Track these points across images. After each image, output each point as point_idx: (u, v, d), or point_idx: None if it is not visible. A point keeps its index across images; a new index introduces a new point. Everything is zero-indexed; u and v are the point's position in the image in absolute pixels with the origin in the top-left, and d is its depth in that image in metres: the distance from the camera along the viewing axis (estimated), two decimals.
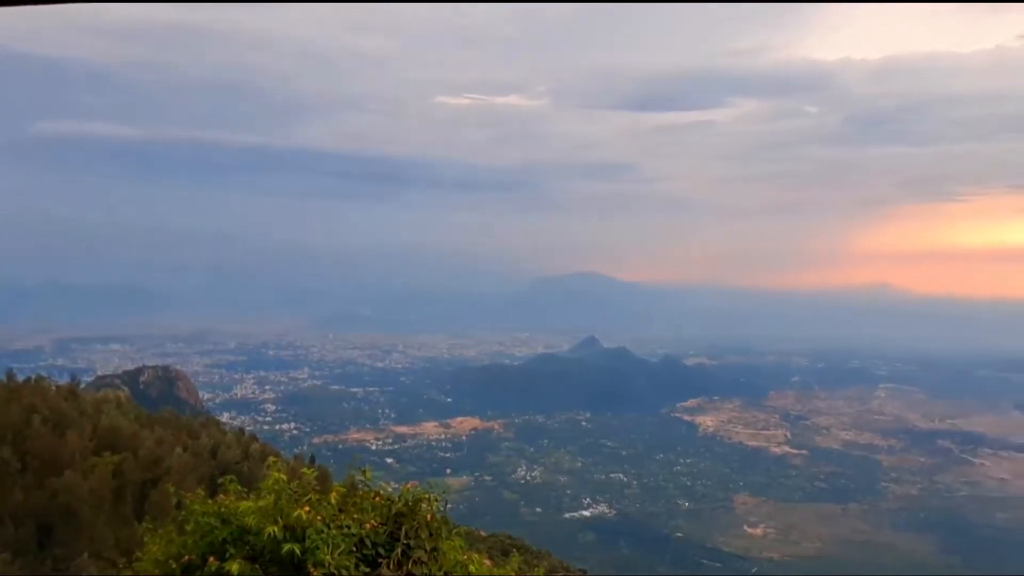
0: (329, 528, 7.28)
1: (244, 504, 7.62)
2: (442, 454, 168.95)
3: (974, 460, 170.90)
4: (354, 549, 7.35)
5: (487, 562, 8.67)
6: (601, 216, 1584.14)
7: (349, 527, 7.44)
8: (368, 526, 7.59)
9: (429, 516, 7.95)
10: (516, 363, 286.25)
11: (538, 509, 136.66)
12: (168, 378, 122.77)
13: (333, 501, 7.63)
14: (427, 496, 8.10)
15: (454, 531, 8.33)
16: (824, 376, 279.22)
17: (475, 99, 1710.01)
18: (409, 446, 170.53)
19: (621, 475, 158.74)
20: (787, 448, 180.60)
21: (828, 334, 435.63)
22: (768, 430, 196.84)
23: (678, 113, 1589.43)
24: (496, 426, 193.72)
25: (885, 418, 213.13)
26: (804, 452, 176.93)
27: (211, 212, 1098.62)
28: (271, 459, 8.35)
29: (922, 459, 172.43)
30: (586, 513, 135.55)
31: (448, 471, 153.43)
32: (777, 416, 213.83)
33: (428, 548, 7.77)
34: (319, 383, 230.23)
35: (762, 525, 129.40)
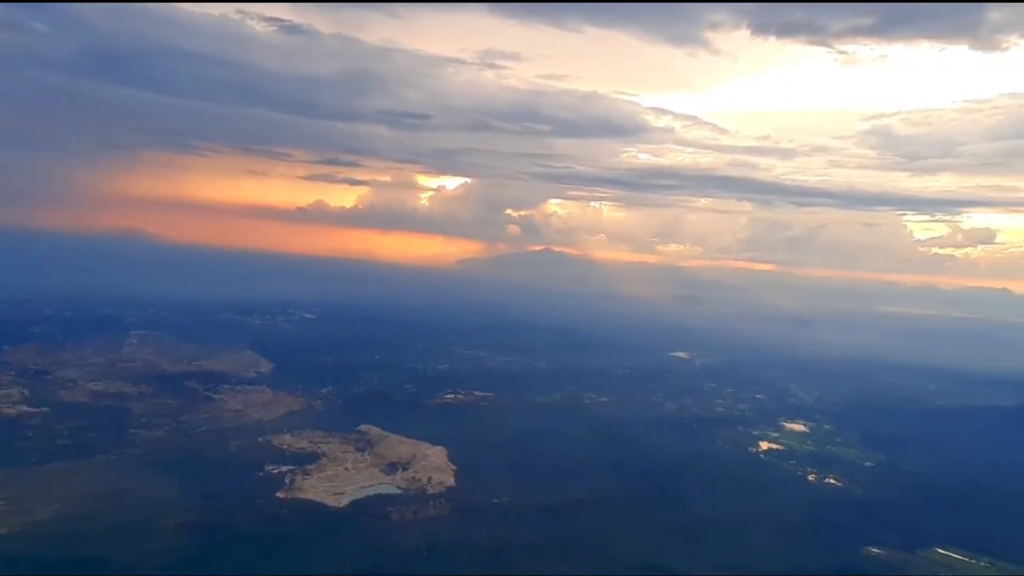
0: None
1: None
2: None
3: (215, 397, 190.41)
4: None
5: None
6: None
7: None
8: None
9: None
10: None
11: None
12: None
13: None
14: None
15: None
16: (72, 326, 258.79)
17: None
18: None
19: None
20: (24, 408, 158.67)
21: (78, 280, 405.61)
22: (1, 390, 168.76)
23: None
24: None
25: (136, 365, 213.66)
26: (45, 410, 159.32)
27: None
28: None
29: (171, 402, 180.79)
30: None
31: None
32: (13, 374, 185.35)
33: None
34: None
35: None
